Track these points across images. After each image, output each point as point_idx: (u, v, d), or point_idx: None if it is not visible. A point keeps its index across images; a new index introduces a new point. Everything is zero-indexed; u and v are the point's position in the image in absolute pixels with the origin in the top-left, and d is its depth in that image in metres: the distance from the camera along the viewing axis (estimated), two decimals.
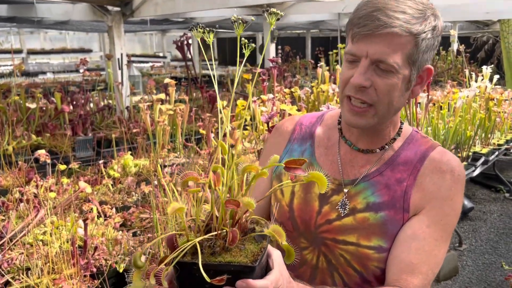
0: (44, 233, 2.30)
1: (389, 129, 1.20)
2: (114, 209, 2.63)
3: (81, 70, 4.86)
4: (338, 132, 1.27)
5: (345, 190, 1.20)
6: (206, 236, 0.83)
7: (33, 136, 4.01)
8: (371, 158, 1.21)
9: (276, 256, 0.93)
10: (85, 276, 2.01)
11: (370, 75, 1.07)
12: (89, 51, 14.95)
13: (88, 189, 2.20)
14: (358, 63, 1.08)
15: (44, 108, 4.59)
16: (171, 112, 3.60)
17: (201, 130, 3.68)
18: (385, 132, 1.20)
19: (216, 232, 0.85)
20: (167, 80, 3.71)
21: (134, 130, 3.81)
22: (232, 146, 1.00)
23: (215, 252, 0.83)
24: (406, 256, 1.11)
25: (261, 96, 3.91)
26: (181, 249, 0.80)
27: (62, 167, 2.50)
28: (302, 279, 1.27)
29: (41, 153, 2.87)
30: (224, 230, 0.85)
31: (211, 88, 6.01)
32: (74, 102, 4.83)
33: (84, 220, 2.15)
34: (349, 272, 1.20)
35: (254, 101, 3.64)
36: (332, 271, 1.22)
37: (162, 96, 3.66)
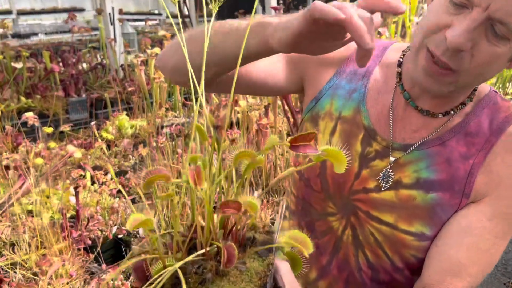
0: (33, 203, 2.09)
1: (461, 92, 0.93)
2: (109, 175, 2.42)
3: (70, 26, 4.53)
4: (396, 76, 1.00)
5: (392, 159, 0.96)
6: (190, 258, 0.57)
7: (22, 99, 3.75)
8: (429, 123, 0.95)
9: (285, 270, 0.69)
10: (78, 249, 1.81)
11: (476, 35, 0.78)
12: (81, 10, 14.41)
13: (77, 154, 1.98)
14: (466, 12, 0.78)
15: (33, 69, 4.29)
16: None
17: None
18: (455, 95, 0.93)
19: (203, 250, 0.60)
20: (162, 32, 3.41)
21: (129, 89, 3.55)
22: (216, 128, 0.72)
23: (205, 280, 0.58)
24: (454, 253, 0.90)
25: None
26: (156, 282, 0.54)
27: (48, 129, 2.27)
28: (325, 249, 1.07)
29: (29, 116, 2.63)
30: (215, 246, 0.60)
31: None
32: (65, 62, 4.53)
33: (75, 188, 1.93)
34: (377, 253, 0.99)
35: None
36: (357, 247, 1.02)
37: (157, 50, 3.36)
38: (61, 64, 4.68)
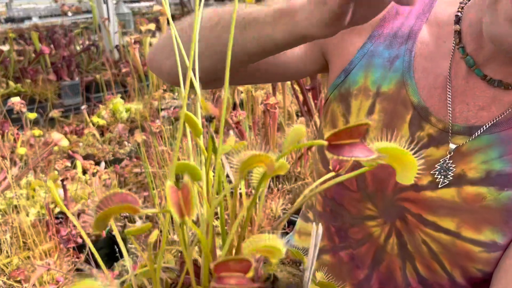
0: (18, 197, 1.88)
1: None
2: (102, 163, 2.21)
3: (60, 5, 4.27)
4: (453, 36, 0.77)
5: (452, 146, 0.74)
6: None
7: (11, 83, 3.53)
8: (501, 97, 0.73)
9: None
10: (68, 250, 1.61)
11: None
12: None
13: (64, 142, 1.76)
14: None
15: (23, 51, 4.06)
16: None
17: None
18: None
19: None
20: (157, 8, 3.16)
21: (124, 70, 3.31)
22: (211, 119, 0.51)
23: None
24: None
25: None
26: None
27: (32, 115, 2.05)
28: (363, 261, 0.85)
29: (16, 101, 2.41)
30: None
31: None
32: (56, 43, 4.29)
33: (62, 180, 1.72)
34: (432, 267, 0.79)
35: None
36: (404, 259, 0.82)
37: (152, 26, 3.12)
38: (52, 46, 4.44)
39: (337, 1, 0.57)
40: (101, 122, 2.38)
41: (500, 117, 0.72)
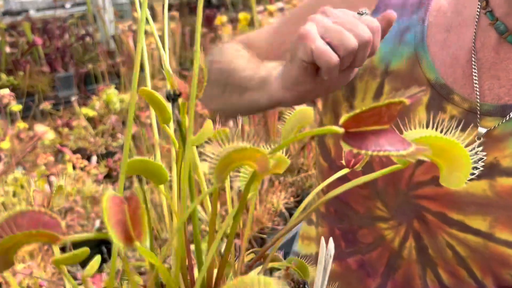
0: (3, 194, 1.76)
1: None
2: (94, 157, 2.08)
3: None
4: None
5: (481, 130, 0.64)
6: None
7: (3, 76, 3.40)
8: None
9: None
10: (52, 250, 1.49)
11: None
12: None
13: (49, 135, 1.64)
14: None
15: (15, 43, 3.93)
16: (159, 33, 2.93)
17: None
18: None
19: None
20: None
21: (118, 60, 3.18)
22: (175, 97, 0.43)
23: None
24: None
25: (268, 7, 3.20)
26: None
27: (16, 107, 1.92)
28: (375, 269, 0.75)
29: (5, 94, 2.29)
30: None
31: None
32: (50, 34, 4.15)
33: (48, 176, 1.60)
34: (458, 274, 0.68)
35: (261, 13, 2.96)
36: (425, 265, 0.71)
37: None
38: (46, 37, 4.30)
39: (295, 75, 0.56)
40: (91, 113, 2.25)
41: None
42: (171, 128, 0.44)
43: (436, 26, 0.69)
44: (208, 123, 0.42)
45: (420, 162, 0.67)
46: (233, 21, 4.06)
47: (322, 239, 0.40)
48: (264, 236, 1.72)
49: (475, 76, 0.64)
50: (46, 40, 4.12)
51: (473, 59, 0.65)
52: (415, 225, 0.69)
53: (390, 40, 0.70)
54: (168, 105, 0.43)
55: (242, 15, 3.29)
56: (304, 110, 0.44)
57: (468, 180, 0.63)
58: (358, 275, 0.77)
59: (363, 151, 0.31)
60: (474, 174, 0.62)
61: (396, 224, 0.71)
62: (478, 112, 0.64)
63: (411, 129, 0.34)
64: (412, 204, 0.68)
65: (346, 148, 0.32)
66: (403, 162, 0.35)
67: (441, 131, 0.36)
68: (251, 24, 3.28)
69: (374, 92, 0.71)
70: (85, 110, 2.30)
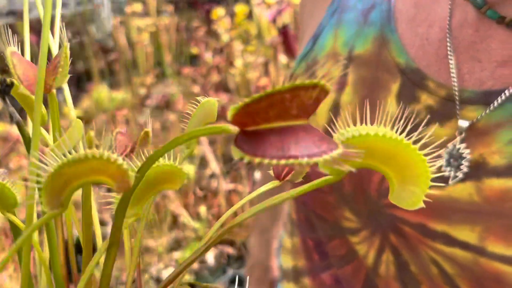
0: None
1: None
2: None
3: None
4: None
5: (462, 123, 0.53)
6: None
7: None
8: None
9: None
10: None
11: None
12: None
13: None
14: None
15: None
16: (152, 29, 2.85)
17: (192, 50, 2.95)
18: None
19: None
20: None
21: (113, 58, 3.10)
22: (7, 87, 0.32)
23: None
24: None
25: (265, 0, 3.09)
26: None
27: None
28: (351, 285, 0.66)
29: None
30: None
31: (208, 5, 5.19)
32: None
33: (25, 180, 1.50)
34: None
35: (259, 5, 2.86)
36: (406, 283, 0.60)
37: (137, 7, 2.87)
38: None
39: None
40: (75, 113, 2.15)
41: None
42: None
43: (404, 3, 0.60)
44: (77, 123, 0.31)
45: None
46: (232, 15, 3.95)
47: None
48: None
49: (450, 58, 0.54)
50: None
51: (448, 38, 0.55)
52: (391, 240, 0.59)
53: (353, 22, 0.62)
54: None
55: (239, 9, 3.17)
56: (208, 103, 0.33)
57: (452, 183, 0.54)
58: None
59: (257, 159, 0.20)
60: (457, 177, 0.52)
61: (368, 235, 0.61)
62: (458, 101, 0.53)
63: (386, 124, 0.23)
64: (385, 214, 0.58)
65: (236, 155, 0.21)
66: (334, 172, 0.24)
67: (404, 127, 0.25)
68: (249, 17, 3.16)
69: (337, 82, 0.61)
70: (68, 110, 2.20)
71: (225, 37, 2.92)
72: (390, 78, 0.57)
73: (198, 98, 0.34)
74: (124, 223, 0.31)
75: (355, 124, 0.24)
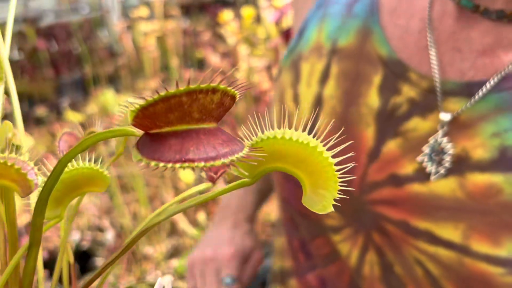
0: None
1: None
2: None
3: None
4: None
5: (444, 116, 0.52)
6: None
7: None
8: (508, 34, 0.52)
9: None
10: None
11: None
12: None
13: (29, 142, 1.56)
14: None
15: (21, 48, 3.93)
16: (158, 34, 2.86)
17: (198, 53, 2.96)
18: None
19: None
20: None
21: (121, 63, 3.12)
22: None
23: None
24: None
25: (273, 3, 3.08)
26: None
27: None
28: (336, 285, 0.65)
29: None
30: None
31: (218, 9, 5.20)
32: (56, 38, 4.14)
33: None
34: None
35: (266, 8, 2.85)
36: (392, 285, 0.59)
37: (143, 11, 2.89)
38: (54, 42, 4.29)
39: None
40: (76, 118, 2.17)
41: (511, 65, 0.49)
42: None
43: None
44: (5, 124, 0.31)
45: (372, 158, 0.55)
46: (241, 18, 3.95)
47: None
48: None
49: (432, 49, 0.54)
50: (52, 45, 4.11)
51: (428, 29, 0.55)
52: (375, 239, 0.58)
53: (337, 15, 0.61)
54: None
55: (247, 12, 3.17)
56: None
57: (434, 178, 0.52)
58: None
59: (153, 162, 0.20)
60: (438, 172, 0.51)
61: (351, 234, 0.59)
62: (439, 93, 0.52)
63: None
64: (368, 212, 0.57)
65: (135, 158, 0.20)
66: (248, 174, 0.23)
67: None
68: (256, 21, 3.16)
69: (320, 75, 0.60)
70: (72, 115, 2.23)
71: (231, 41, 2.92)
72: (372, 70, 0.57)
73: (128, 100, 0.33)
74: (47, 225, 0.31)
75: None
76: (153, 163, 0.20)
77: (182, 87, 0.20)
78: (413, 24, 0.56)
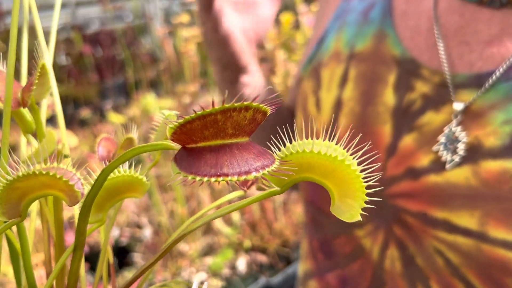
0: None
1: None
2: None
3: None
4: None
5: (457, 106, 0.54)
6: None
7: None
8: None
9: None
10: None
11: None
12: None
13: (73, 141, 1.63)
14: None
15: (68, 53, 4.09)
16: (199, 39, 2.92)
17: None
18: None
19: None
20: None
21: (162, 68, 3.21)
22: None
23: None
24: None
25: (311, 8, 3.10)
26: None
27: None
28: (357, 284, 0.66)
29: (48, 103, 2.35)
30: None
31: None
32: (101, 44, 4.29)
33: None
34: (453, 287, 0.56)
35: (305, 14, 2.87)
36: (413, 279, 0.59)
37: (185, 18, 2.96)
38: (100, 48, 4.45)
39: None
40: (116, 120, 2.24)
41: None
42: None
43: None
44: (50, 134, 0.34)
45: (390, 153, 0.56)
46: (279, 23, 3.97)
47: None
48: (287, 249, 1.61)
49: (439, 43, 0.56)
50: (97, 51, 4.27)
51: (434, 26, 0.56)
52: (396, 232, 0.59)
53: (354, 22, 0.64)
54: (26, 113, 0.35)
55: (285, 17, 3.19)
56: (170, 116, 0.35)
57: (449, 168, 0.53)
58: None
59: (190, 176, 0.22)
60: (453, 161, 0.52)
61: (372, 229, 0.61)
62: (451, 86, 0.53)
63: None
64: (388, 205, 0.58)
65: (174, 171, 0.22)
66: (277, 183, 0.25)
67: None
68: (295, 26, 3.17)
69: (339, 79, 0.63)
70: (114, 117, 2.31)
71: (269, 46, 2.95)
72: (387, 70, 0.59)
73: (162, 111, 0.36)
74: (89, 229, 0.34)
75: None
76: (190, 177, 0.22)
77: (217, 106, 0.21)
78: (422, 24, 0.58)
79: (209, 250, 1.58)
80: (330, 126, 0.25)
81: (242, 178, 0.22)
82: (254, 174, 0.22)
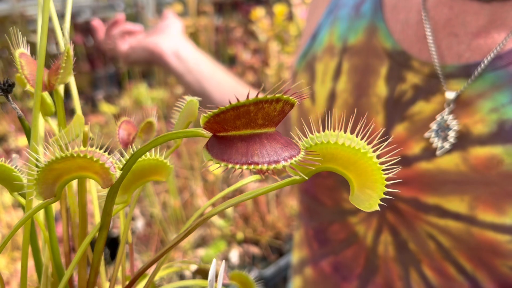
0: None
1: None
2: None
3: None
4: None
5: (449, 94, 0.55)
6: None
7: None
8: (501, 15, 0.54)
9: None
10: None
11: None
12: None
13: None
14: None
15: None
16: (191, 30, 2.90)
17: (230, 50, 2.99)
18: None
19: None
20: None
21: None
22: (9, 86, 0.34)
23: None
24: None
25: (305, 0, 3.10)
26: None
27: None
28: (350, 270, 0.68)
29: None
30: None
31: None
32: (91, 33, 4.24)
33: None
34: (445, 270, 0.58)
35: (298, 5, 2.86)
36: (406, 264, 0.61)
37: (178, 8, 2.94)
38: (90, 37, 4.40)
39: None
40: (107, 110, 2.23)
41: (505, 43, 0.51)
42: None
43: None
44: (78, 117, 0.34)
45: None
46: (272, 15, 3.97)
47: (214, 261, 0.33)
48: (280, 242, 1.62)
49: (429, 36, 0.57)
50: (88, 40, 4.22)
51: (424, 19, 0.58)
52: (389, 218, 0.61)
53: (346, 17, 0.66)
54: (47, 96, 0.36)
55: (279, 9, 3.18)
56: (191, 102, 0.35)
57: (439, 155, 0.55)
58: (334, 281, 0.70)
59: (222, 163, 0.22)
60: (443, 147, 0.53)
61: (366, 216, 0.63)
62: (441, 76, 0.55)
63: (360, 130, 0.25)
64: None
65: (206, 157, 0.23)
66: (302, 172, 0.26)
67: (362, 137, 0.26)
68: (288, 18, 3.17)
69: (333, 72, 0.65)
70: (106, 108, 2.29)
71: (262, 37, 2.94)
72: (379, 63, 0.61)
73: (184, 97, 0.36)
74: (114, 210, 0.34)
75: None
76: (222, 164, 0.22)
77: (250, 98, 0.22)
78: (412, 17, 0.60)
79: (202, 242, 1.59)
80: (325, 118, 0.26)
81: (272, 167, 0.22)
82: (282, 163, 0.22)
